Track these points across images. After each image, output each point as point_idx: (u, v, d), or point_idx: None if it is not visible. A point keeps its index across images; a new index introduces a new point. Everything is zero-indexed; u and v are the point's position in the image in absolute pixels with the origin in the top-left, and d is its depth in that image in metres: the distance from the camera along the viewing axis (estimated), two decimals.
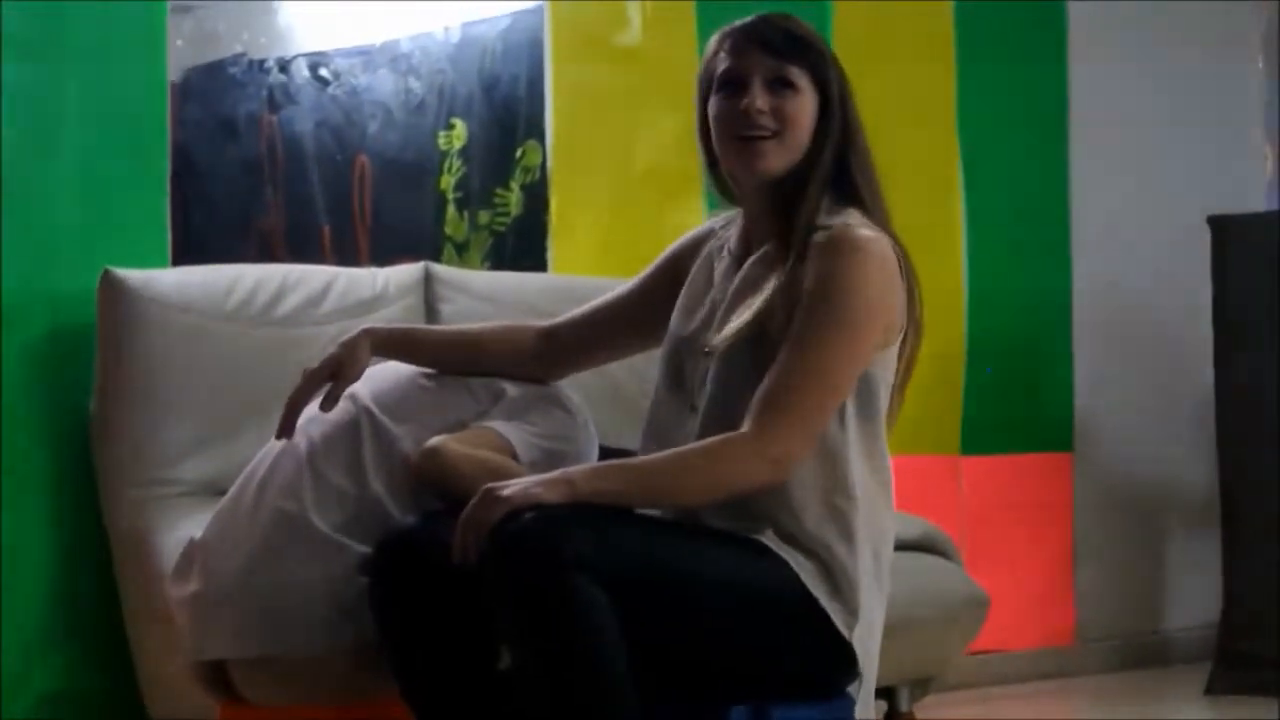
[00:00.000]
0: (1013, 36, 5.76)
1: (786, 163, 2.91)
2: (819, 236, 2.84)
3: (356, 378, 3.16)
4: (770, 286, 2.86)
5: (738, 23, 2.96)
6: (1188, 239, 5.66)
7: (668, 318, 3.06)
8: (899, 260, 2.88)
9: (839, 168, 2.92)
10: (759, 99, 2.89)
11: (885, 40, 5.42)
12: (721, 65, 2.93)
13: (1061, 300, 5.87)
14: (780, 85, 2.90)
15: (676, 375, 2.99)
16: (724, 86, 2.93)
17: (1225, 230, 5.46)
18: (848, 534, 2.83)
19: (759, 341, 2.84)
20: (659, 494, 2.75)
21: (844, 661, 2.83)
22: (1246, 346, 5.40)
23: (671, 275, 3.12)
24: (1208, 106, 6.22)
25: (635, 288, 3.20)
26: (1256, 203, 6.19)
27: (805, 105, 2.90)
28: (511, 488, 2.66)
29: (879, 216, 2.90)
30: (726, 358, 2.87)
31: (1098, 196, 5.91)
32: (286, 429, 3.12)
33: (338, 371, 3.13)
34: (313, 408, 3.20)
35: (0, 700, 3.84)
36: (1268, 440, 5.35)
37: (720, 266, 3.02)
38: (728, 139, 2.93)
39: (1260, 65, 6.34)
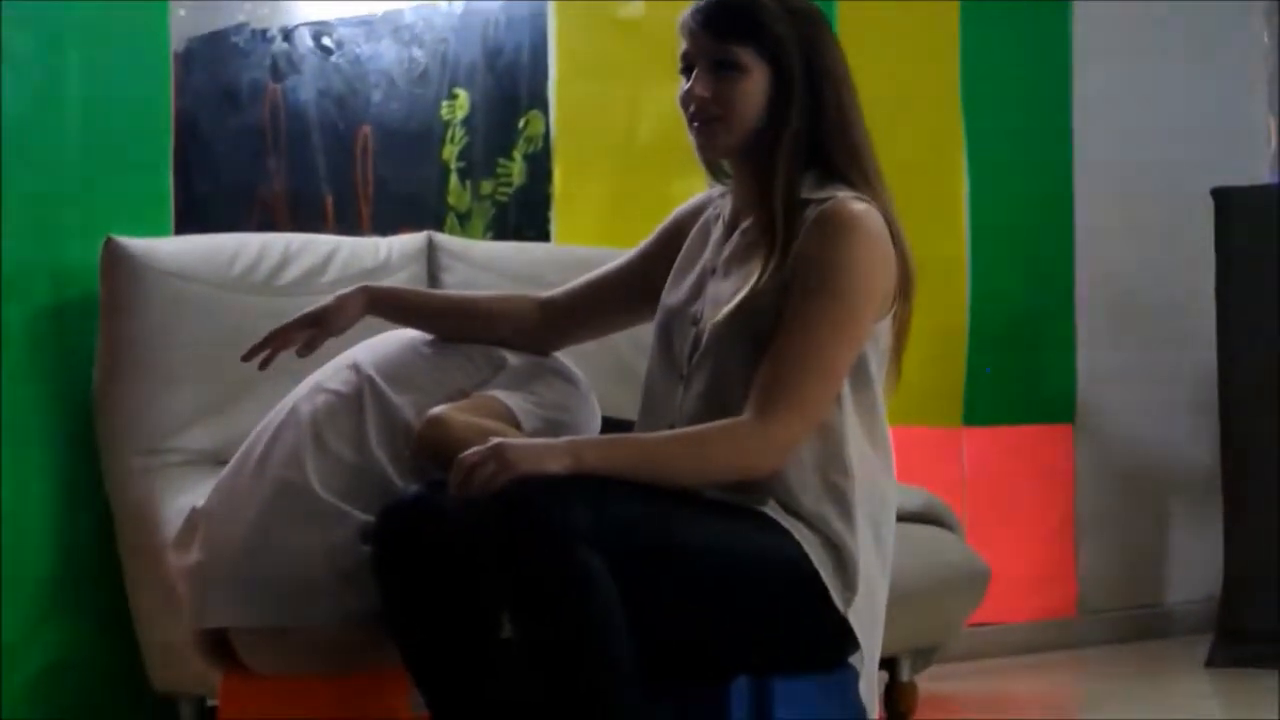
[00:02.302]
0: (1018, 11, 5.75)
1: (735, 143, 2.90)
2: (810, 212, 2.84)
3: (340, 330, 3.18)
4: (760, 263, 2.86)
5: (693, 3, 2.95)
6: (1191, 211, 5.66)
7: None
8: (891, 229, 2.87)
9: (815, 140, 2.90)
10: (699, 84, 2.89)
11: (891, 17, 5.42)
12: (680, 48, 2.95)
13: (1064, 272, 5.87)
14: (723, 67, 2.88)
15: (666, 343, 2.99)
16: (682, 70, 2.94)
17: (1228, 203, 5.45)
18: (846, 510, 2.83)
19: (752, 320, 2.83)
20: (662, 472, 2.74)
21: (843, 634, 2.84)
22: (1249, 318, 5.40)
23: (670, 245, 3.11)
24: (1212, 80, 6.21)
25: (635, 257, 3.19)
26: (1260, 175, 6.19)
27: (750, 86, 2.88)
28: (520, 450, 2.66)
29: (868, 188, 2.88)
30: (720, 336, 2.87)
31: (1101, 168, 5.91)
32: (253, 352, 3.15)
33: (323, 319, 3.15)
34: (314, 377, 3.20)
35: (0, 670, 3.84)
36: (1269, 413, 5.36)
37: (714, 235, 3.02)
38: (685, 123, 2.94)
39: (1265, 39, 6.33)
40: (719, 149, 2.93)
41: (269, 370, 3.19)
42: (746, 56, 2.88)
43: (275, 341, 3.15)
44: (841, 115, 2.90)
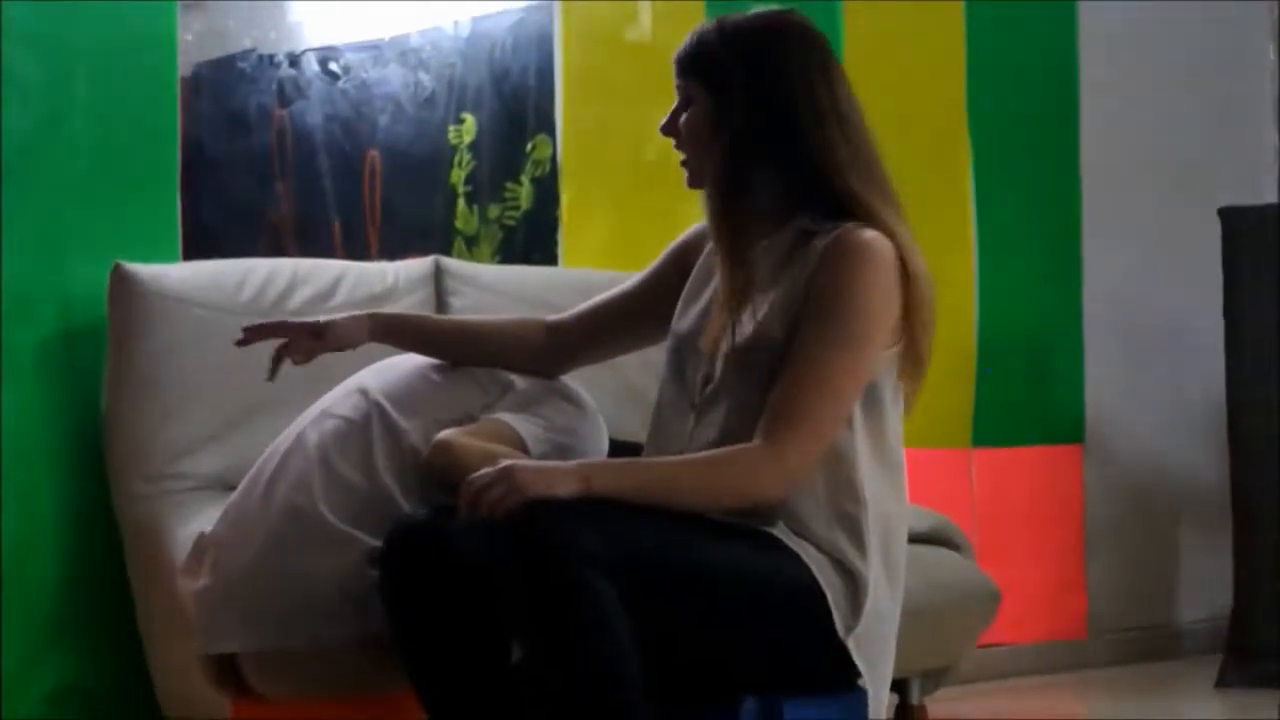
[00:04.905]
0: (1023, 28, 5.76)
1: (699, 169, 2.97)
2: (820, 241, 2.85)
3: (337, 348, 3.21)
4: (769, 292, 2.86)
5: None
6: (1199, 231, 5.65)
7: (674, 311, 3.07)
8: (900, 256, 2.87)
9: (819, 162, 2.89)
10: (666, 120, 2.99)
11: (895, 37, 5.42)
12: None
13: (1072, 292, 5.87)
14: (685, 103, 2.98)
15: (678, 371, 3.00)
16: None
17: (1236, 222, 5.45)
18: (857, 539, 2.83)
19: (762, 348, 2.84)
20: (671, 496, 2.75)
21: (849, 657, 2.84)
22: (1257, 337, 5.40)
23: (677, 269, 3.13)
24: (1218, 99, 6.21)
25: (641, 282, 3.20)
26: (1267, 195, 6.18)
27: (695, 119, 2.95)
28: (530, 473, 2.67)
29: (882, 216, 2.88)
30: (733, 369, 2.87)
31: (1108, 189, 5.91)
32: (248, 337, 3.20)
33: (325, 334, 3.18)
34: (322, 402, 3.21)
35: (1, 696, 3.84)
36: (1278, 431, 5.35)
37: None
38: None
39: (1271, 57, 6.33)
40: (690, 180, 3.00)
41: (276, 395, 3.20)
42: (695, 90, 2.95)
43: (276, 329, 3.22)
44: (826, 141, 2.90)
